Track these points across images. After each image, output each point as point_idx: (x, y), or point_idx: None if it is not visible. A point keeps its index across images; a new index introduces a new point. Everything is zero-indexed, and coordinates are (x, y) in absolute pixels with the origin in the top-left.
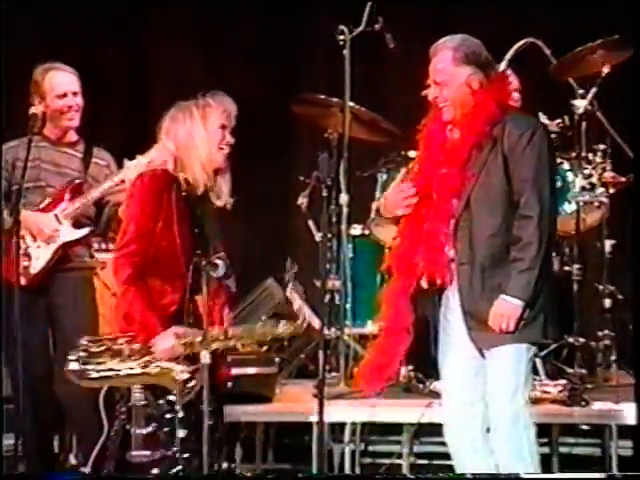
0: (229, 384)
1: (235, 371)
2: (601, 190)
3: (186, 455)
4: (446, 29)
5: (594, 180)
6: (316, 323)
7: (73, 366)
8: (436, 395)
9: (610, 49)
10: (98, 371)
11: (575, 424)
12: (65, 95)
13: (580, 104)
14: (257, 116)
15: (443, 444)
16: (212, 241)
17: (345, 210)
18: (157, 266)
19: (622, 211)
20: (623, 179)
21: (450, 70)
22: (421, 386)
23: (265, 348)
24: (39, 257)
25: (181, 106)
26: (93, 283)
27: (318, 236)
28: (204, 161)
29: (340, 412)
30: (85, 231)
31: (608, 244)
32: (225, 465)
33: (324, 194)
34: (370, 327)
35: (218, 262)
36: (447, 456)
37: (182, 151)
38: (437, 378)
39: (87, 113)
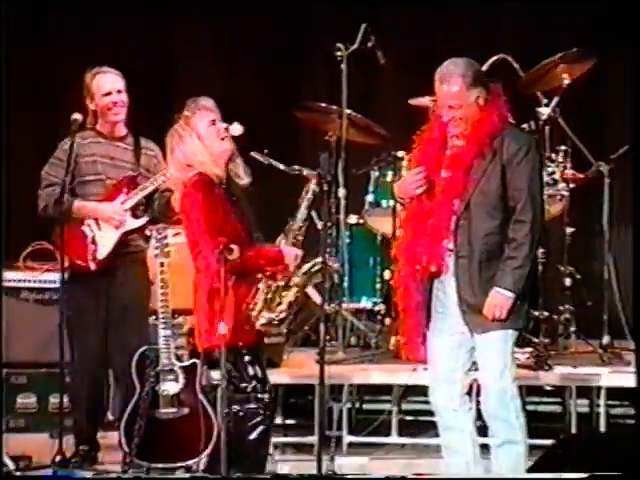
0: None
1: None
2: (562, 185)
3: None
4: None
5: (556, 176)
6: (318, 299)
7: (262, 321)
8: (421, 361)
9: (570, 62)
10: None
11: (540, 386)
12: (110, 93)
13: (544, 111)
14: (267, 121)
15: (427, 403)
16: (250, 219)
17: (343, 202)
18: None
19: (580, 203)
20: (581, 175)
21: (463, 95)
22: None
23: (277, 322)
24: (105, 244)
25: (170, 134)
26: (147, 264)
27: (320, 224)
28: (215, 159)
29: (338, 376)
30: (144, 220)
31: (568, 231)
32: None
33: (325, 188)
34: (364, 303)
35: (233, 247)
36: (431, 413)
37: (195, 165)
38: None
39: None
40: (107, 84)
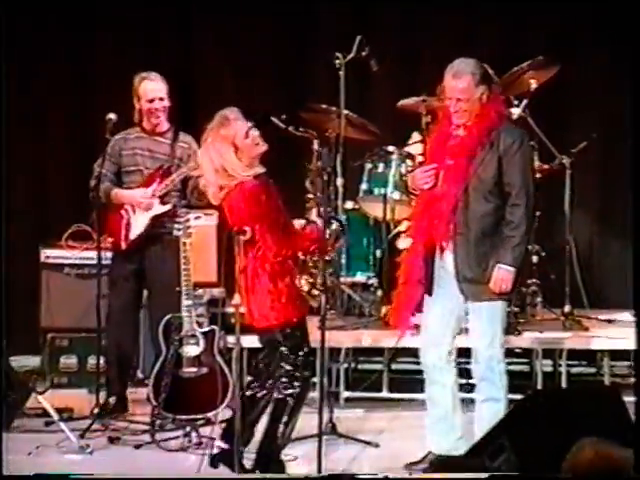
0: None
1: None
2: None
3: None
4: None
5: None
6: None
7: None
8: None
9: (537, 69)
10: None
11: (511, 348)
12: (153, 100)
13: (515, 111)
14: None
15: (413, 363)
16: None
17: (340, 190)
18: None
19: (545, 190)
20: (547, 167)
21: (471, 90)
22: None
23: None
24: (137, 226)
25: (207, 150)
26: (176, 243)
27: (321, 210)
28: (253, 164)
29: (337, 340)
30: (169, 207)
31: (535, 215)
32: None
33: (325, 178)
34: (359, 277)
35: (246, 229)
36: (416, 372)
37: (238, 176)
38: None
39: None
40: (151, 92)
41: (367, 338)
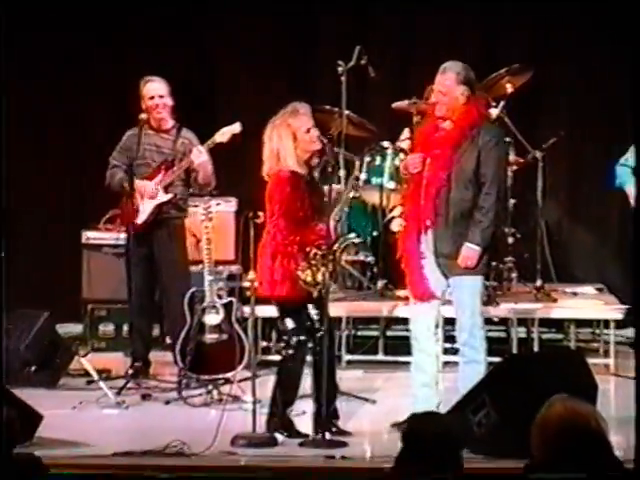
0: None
1: None
2: (507, 167)
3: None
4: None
5: None
6: None
7: (307, 279)
8: (400, 299)
9: (513, 74)
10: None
11: (490, 317)
12: (153, 97)
13: (494, 112)
14: None
15: (405, 331)
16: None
17: (343, 180)
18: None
19: (520, 180)
20: (522, 160)
21: (452, 86)
22: (390, 293)
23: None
24: (144, 212)
25: (272, 129)
26: (183, 228)
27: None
28: (302, 160)
29: (338, 309)
30: (170, 196)
31: (511, 202)
32: (264, 343)
33: (329, 170)
34: (358, 255)
35: (260, 214)
36: (407, 339)
37: (285, 162)
38: (402, 288)
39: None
40: (152, 90)
41: (365, 308)
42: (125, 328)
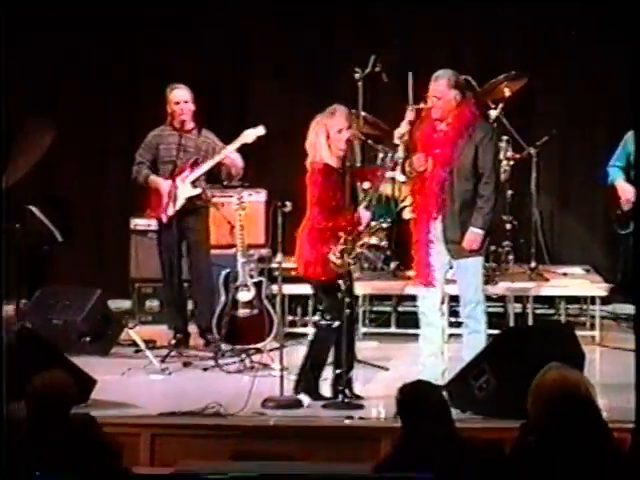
0: None
1: None
2: (505, 162)
3: None
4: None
5: (501, 157)
6: None
7: (338, 262)
8: (409, 278)
9: (509, 80)
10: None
11: (489, 295)
12: (179, 102)
13: (493, 113)
14: (306, 122)
15: (415, 307)
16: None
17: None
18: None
19: (517, 174)
20: (518, 156)
21: (445, 91)
22: (401, 273)
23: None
24: (175, 205)
25: (315, 124)
26: (207, 216)
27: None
28: (334, 154)
29: (356, 288)
30: (199, 190)
31: (509, 193)
32: (290, 317)
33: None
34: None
35: (287, 203)
36: (417, 314)
37: (319, 155)
38: (411, 269)
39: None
40: (178, 96)
41: (379, 287)
42: None
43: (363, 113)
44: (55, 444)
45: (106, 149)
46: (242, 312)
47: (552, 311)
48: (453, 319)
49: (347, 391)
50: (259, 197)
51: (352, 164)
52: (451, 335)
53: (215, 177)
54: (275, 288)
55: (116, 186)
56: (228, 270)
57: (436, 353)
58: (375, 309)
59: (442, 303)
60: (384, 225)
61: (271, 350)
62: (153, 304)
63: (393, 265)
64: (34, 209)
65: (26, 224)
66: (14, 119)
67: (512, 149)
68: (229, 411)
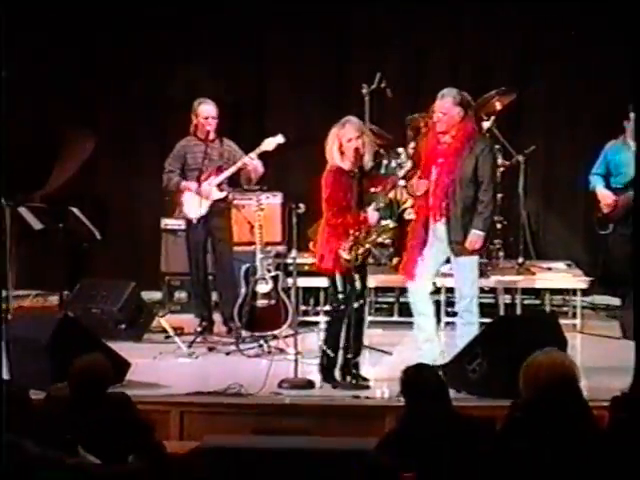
0: None
1: None
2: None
3: None
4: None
5: None
6: None
7: (346, 257)
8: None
9: (500, 95)
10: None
11: (482, 287)
12: (207, 117)
13: (486, 125)
14: (318, 131)
15: None
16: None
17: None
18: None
19: (507, 180)
20: (507, 163)
21: (450, 108)
22: None
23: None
24: (203, 207)
25: (331, 133)
26: (230, 216)
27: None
28: (345, 159)
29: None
30: (224, 194)
31: (499, 196)
32: (304, 307)
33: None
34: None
35: (300, 205)
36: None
37: (332, 160)
38: None
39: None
40: (206, 111)
41: (382, 280)
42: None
43: (369, 124)
44: (94, 420)
45: (140, 156)
46: (260, 302)
47: (538, 302)
48: (450, 309)
49: (355, 373)
50: (276, 199)
51: (367, 170)
52: (447, 323)
53: (235, 182)
54: (290, 281)
55: (149, 190)
56: (248, 265)
57: (430, 339)
58: (380, 300)
59: (431, 293)
60: (391, 225)
61: (286, 337)
62: (181, 295)
63: (395, 260)
64: (75, 210)
65: (68, 224)
66: (58, 131)
67: (503, 157)
68: (249, 391)
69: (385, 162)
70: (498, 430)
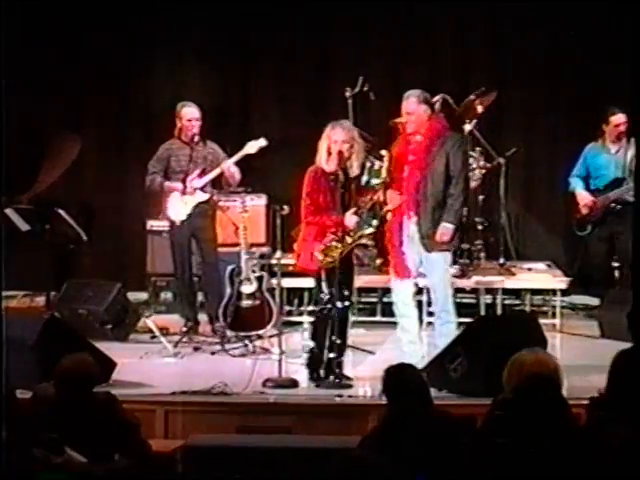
0: None
1: None
2: (477, 171)
3: None
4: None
5: (474, 166)
6: None
7: (321, 258)
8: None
9: (481, 97)
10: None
11: (463, 287)
12: (190, 120)
13: (467, 127)
14: (302, 134)
15: None
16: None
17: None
18: (325, 210)
19: (488, 182)
20: (489, 165)
21: (415, 108)
22: (385, 268)
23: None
24: (187, 209)
25: (324, 133)
26: (214, 217)
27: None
28: (328, 161)
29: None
30: (207, 195)
31: (480, 198)
32: (288, 308)
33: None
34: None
35: (285, 207)
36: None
37: (318, 160)
38: None
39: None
40: (189, 114)
41: (367, 281)
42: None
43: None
44: (80, 419)
45: (125, 158)
46: (245, 303)
47: (518, 302)
48: (431, 309)
49: (338, 372)
50: (260, 201)
51: (353, 177)
52: (429, 323)
53: (219, 184)
54: (274, 281)
55: (134, 192)
56: (233, 266)
57: (413, 340)
58: (363, 300)
59: (414, 295)
60: (366, 232)
61: (271, 336)
62: (167, 296)
63: (378, 261)
64: (61, 212)
65: (54, 225)
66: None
67: (484, 159)
68: (234, 390)
69: (368, 164)
70: (478, 428)
